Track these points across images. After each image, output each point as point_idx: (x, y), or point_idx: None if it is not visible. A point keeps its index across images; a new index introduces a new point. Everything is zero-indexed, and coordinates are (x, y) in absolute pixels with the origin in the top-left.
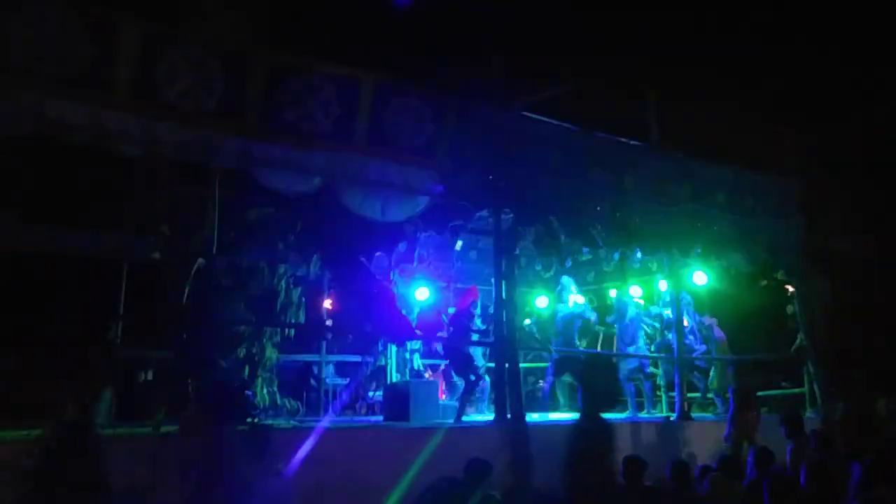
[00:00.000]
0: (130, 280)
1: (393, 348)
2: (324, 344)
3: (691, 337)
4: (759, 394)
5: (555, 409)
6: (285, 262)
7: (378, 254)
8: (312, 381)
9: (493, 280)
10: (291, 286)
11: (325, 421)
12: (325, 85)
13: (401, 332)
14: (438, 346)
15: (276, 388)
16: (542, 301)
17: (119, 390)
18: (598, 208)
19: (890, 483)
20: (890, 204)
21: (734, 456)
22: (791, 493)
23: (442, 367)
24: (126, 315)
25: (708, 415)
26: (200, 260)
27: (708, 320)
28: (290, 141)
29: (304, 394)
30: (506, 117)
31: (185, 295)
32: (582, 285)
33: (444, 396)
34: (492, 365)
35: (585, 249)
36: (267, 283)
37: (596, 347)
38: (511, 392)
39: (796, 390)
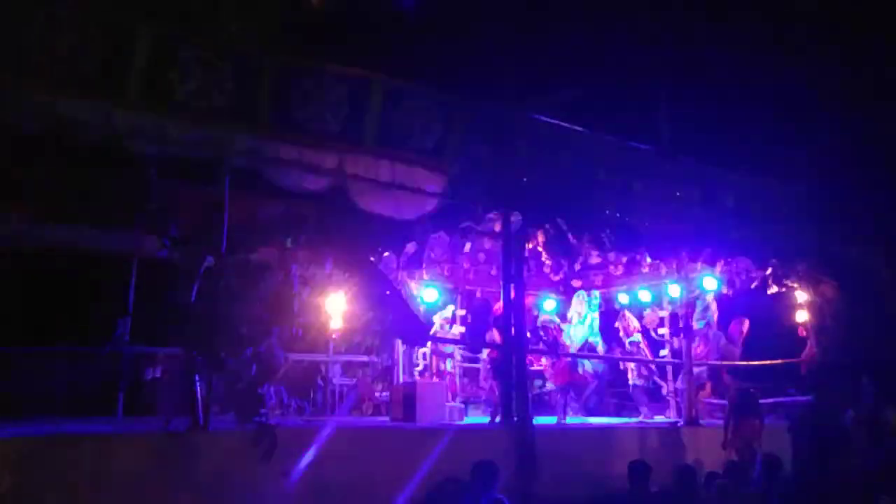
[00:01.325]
0: (140, 278)
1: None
2: (331, 344)
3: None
4: (768, 401)
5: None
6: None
7: (386, 254)
8: (319, 381)
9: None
10: (300, 286)
11: (332, 421)
12: (335, 86)
13: (415, 333)
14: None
15: (283, 388)
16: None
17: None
18: (608, 212)
19: None
20: None
21: (741, 463)
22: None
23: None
24: (135, 313)
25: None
26: (210, 258)
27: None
28: (300, 141)
29: (311, 393)
30: (515, 119)
31: (194, 293)
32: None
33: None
34: None
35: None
36: (276, 282)
37: None
38: (518, 395)
39: (805, 398)
